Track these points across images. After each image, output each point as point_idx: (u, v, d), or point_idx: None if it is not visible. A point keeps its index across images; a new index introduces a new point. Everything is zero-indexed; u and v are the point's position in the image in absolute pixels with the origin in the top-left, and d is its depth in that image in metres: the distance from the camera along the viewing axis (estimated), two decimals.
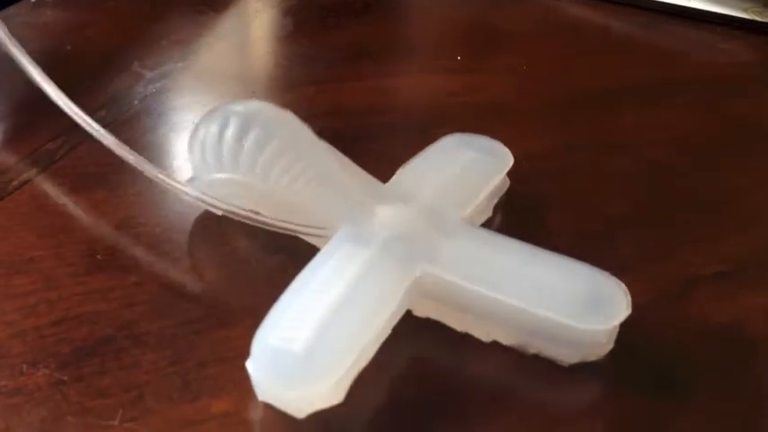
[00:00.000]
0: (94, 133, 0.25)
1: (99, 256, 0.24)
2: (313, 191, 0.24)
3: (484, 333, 0.22)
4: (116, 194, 0.27)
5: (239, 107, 0.25)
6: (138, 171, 0.25)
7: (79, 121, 0.26)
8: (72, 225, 0.26)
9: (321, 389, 0.19)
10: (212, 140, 0.25)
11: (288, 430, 0.20)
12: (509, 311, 0.21)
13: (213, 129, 0.25)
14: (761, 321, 0.24)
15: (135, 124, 0.30)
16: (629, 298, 0.21)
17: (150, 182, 0.25)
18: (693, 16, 0.40)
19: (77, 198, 0.26)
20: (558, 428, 0.21)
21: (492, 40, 0.38)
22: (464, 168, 0.26)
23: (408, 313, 0.22)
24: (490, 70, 0.36)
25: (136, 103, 0.31)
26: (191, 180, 0.25)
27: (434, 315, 0.23)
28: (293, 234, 0.24)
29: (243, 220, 0.24)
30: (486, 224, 0.26)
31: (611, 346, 0.22)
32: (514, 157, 0.26)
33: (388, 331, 0.22)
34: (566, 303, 0.21)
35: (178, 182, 0.25)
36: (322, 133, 0.30)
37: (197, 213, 0.26)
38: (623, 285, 0.22)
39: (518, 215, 0.27)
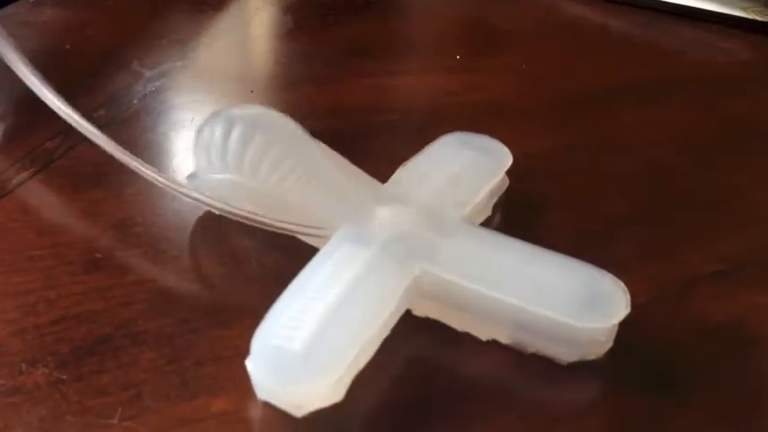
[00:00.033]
0: (91, 136, 0.25)
1: (98, 255, 0.24)
2: (313, 192, 0.24)
3: (483, 332, 0.22)
4: (114, 194, 0.27)
5: (243, 111, 0.26)
6: (135, 171, 0.25)
7: (75, 125, 0.26)
8: (71, 224, 0.26)
9: (320, 387, 0.19)
10: (217, 142, 0.25)
11: (287, 429, 0.20)
12: (508, 310, 0.21)
13: (218, 131, 0.25)
14: (759, 320, 0.24)
15: (134, 123, 0.30)
16: (628, 297, 0.21)
17: (149, 181, 0.25)
18: (692, 15, 0.40)
19: (76, 197, 0.26)
20: (557, 427, 0.21)
21: (491, 39, 0.38)
22: (463, 168, 0.26)
23: (408, 313, 0.23)
24: (490, 69, 0.36)
25: (135, 101, 0.31)
26: (190, 177, 0.25)
27: (434, 314, 0.23)
28: (292, 234, 0.24)
29: (241, 220, 0.24)
30: (486, 223, 0.26)
31: (609, 344, 0.22)
32: (514, 157, 0.26)
33: (388, 330, 0.22)
34: (565, 302, 0.21)
35: (175, 183, 0.25)
36: (321, 132, 0.30)
37: (195, 213, 0.26)
38: (622, 284, 0.22)
39: (517, 214, 0.27)
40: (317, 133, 0.29)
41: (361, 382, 0.20)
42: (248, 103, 0.33)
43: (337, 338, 0.20)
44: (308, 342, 0.20)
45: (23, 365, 0.21)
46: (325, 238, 0.23)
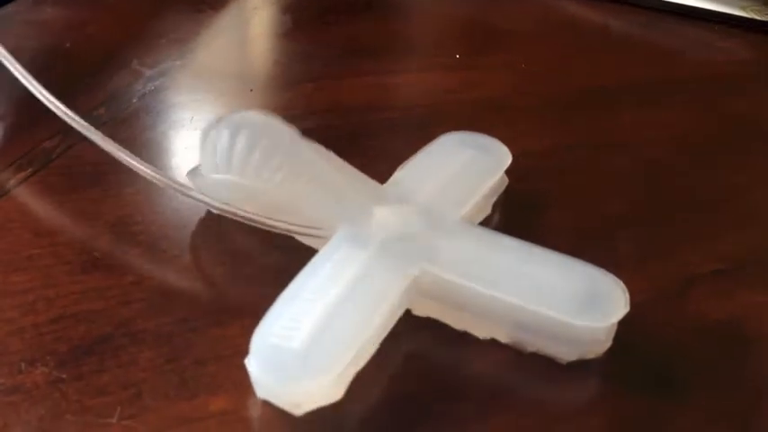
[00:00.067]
0: (90, 136, 0.25)
1: (96, 255, 0.24)
2: (312, 194, 0.24)
3: (482, 331, 0.22)
4: (113, 193, 0.27)
5: (247, 116, 0.26)
6: (134, 170, 0.25)
7: (74, 125, 0.26)
8: (69, 223, 0.26)
9: (319, 385, 0.19)
10: (223, 146, 0.25)
11: (286, 428, 0.20)
12: (507, 309, 0.21)
13: (224, 136, 0.25)
14: (759, 319, 0.24)
15: (134, 122, 0.30)
16: (628, 296, 0.21)
17: (147, 181, 0.25)
18: (692, 14, 0.40)
19: (74, 196, 0.26)
20: (556, 426, 0.21)
21: (491, 38, 0.38)
22: (462, 167, 0.26)
23: (408, 312, 0.23)
24: (489, 68, 0.36)
25: (135, 100, 0.31)
26: (190, 173, 0.25)
27: (433, 314, 0.23)
28: (291, 234, 0.24)
29: (241, 220, 0.24)
30: (485, 222, 0.26)
31: (609, 343, 0.22)
32: (513, 156, 0.26)
33: (388, 330, 0.22)
34: (564, 301, 0.21)
35: (175, 182, 0.25)
36: (320, 130, 0.30)
37: (195, 212, 0.26)
38: (621, 283, 0.22)
39: (517, 213, 0.27)
40: (316, 132, 0.29)
41: (360, 381, 0.20)
42: (248, 102, 0.33)
43: (336, 337, 0.20)
44: (307, 341, 0.20)
45: (22, 364, 0.21)
46: (325, 239, 0.23)
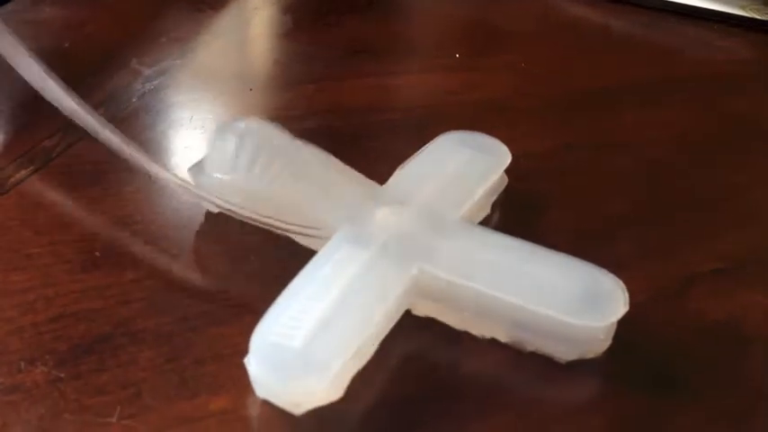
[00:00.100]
0: (99, 131, 0.25)
1: (96, 254, 0.24)
2: (313, 195, 0.24)
3: (482, 331, 0.22)
4: (113, 192, 0.27)
5: (253, 125, 0.26)
6: (134, 169, 0.25)
7: (81, 118, 0.26)
8: (69, 222, 0.26)
9: (319, 383, 0.19)
10: (226, 153, 0.25)
11: (286, 427, 0.20)
12: (507, 309, 0.21)
13: (228, 143, 0.25)
14: (759, 319, 0.24)
15: (133, 121, 0.30)
16: (627, 295, 0.21)
17: (147, 180, 0.25)
18: (692, 14, 0.40)
19: (74, 195, 0.26)
20: (556, 425, 0.21)
21: (491, 38, 0.38)
22: (462, 166, 0.26)
23: (407, 312, 0.23)
24: (490, 69, 0.36)
25: (134, 100, 0.31)
26: (193, 169, 0.25)
27: (433, 314, 0.23)
28: (292, 234, 0.24)
29: (244, 220, 0.24)
30: (485, 222, 0.26)
31: (608, 343, 0.22)
32: (513, 156, 0.26)
33: (387, 330, 0.22)
34: (563, 300, 0.21)
35: (184, 181, 0.25)
36: (321, 131, 0.30)
37: (195, 211, 0.26)
38: (621, 282, 0.22)
39: (517, 213, 0.27)
40: (317, 132, 0.29)
41: (359, 381, 0.20)
42: (248, 102, 0.33)
43: (336, 336, 0.20)
44: (306, 340, 0.20)
45: (22, 364, 0.21)
46: (324, 240, 0.23)
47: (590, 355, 0.22)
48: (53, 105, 0.26)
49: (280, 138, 0.26)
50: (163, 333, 0.22)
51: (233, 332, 0.22)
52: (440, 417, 0.21)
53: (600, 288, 0.22)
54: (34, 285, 0.23)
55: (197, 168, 0.25)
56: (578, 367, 0.22)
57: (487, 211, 0.26)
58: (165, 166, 0.27)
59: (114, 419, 0.20)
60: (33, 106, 0.27)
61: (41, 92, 0.26)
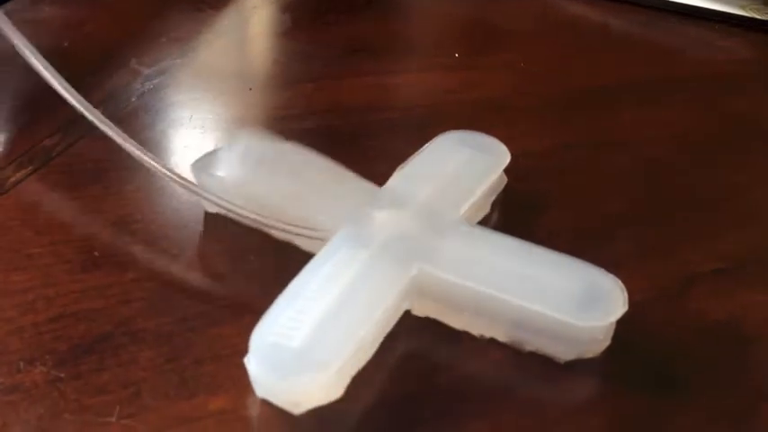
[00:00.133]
0: (100, 125, 0.25)
1: (96, 253, 0.24)
2: (313, 199, 0.24)
3: (481, 330, 0.22)
4: (113, 191, 0.27)
5: (259, 137, 0.27)
6: (135, 168, 0.25)
7: (85, 113, 0.26)
8: (69, 222, 0.26)
9: (318, 383, 0.20)
10: (235, 162, 0.25)
11: (285, 427, 0.20)
12: (506, 309, 0.21)
13: (236, 152, 0.26)
14: (759, 318, 0.24)
15: (132, 121, 0.30)
16: (626, 294, 0.21)
17: (148, 179, 0.25)
18: (692, 13, 0.40)
19: (75, 195, 0.26)
20: (555, 425, 0.21)
21: (490, 37, 0.38)
22: (461, 166, 0.26)
23: (407, 313, 0.23)
24: (488, 68, 0.36)
25: (133, 99, 0.31)
26: (195, 165, 0.25)
27: (433, 314, 0.23)
28: (289, 233, 0.24)
29: (243, 220, 0.24)
30: (484, 221, 0.26)
31: (607, 343, 0.22)
32: (512, 155, 0.26)
33: (387, 330, 0.22)
34: (562, 300, 0.21)
35: (186, 180, 0.25)
36: (320, 130, 0.30)
37: (195, 211, 0.26)
38: (620, 282, 0.22)
39: (516, 212, 0.27)
40: (316, 132, 0.29)
41: (359, 381, 0.20)
42: (247, 101, 0.33)
43: (335, 336, 0.20)
44: (306, 339, 0.20)
45: (22, 364, 0.21)
46: (322, 242, 0.23)
47: (589, 354, 0.22)
48: (53, 105, 0.26)
49: (281, 144, 0.26)
50: (163, 333, 0.22)
51: (232, 332, 0.22)
52: (439, 416, 0.21)
53: (599, 288, 0.22)
54: (34, 285, 0.23)
55: (199, 165, 0.25)
56: (577, 367, 0.22)
57: (487, 210, 0.26)
58: (164, 165, 0.28)
59: (114, 419, 0.20)
60: (33, 106, 0.27)
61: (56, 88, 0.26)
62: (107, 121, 0.25)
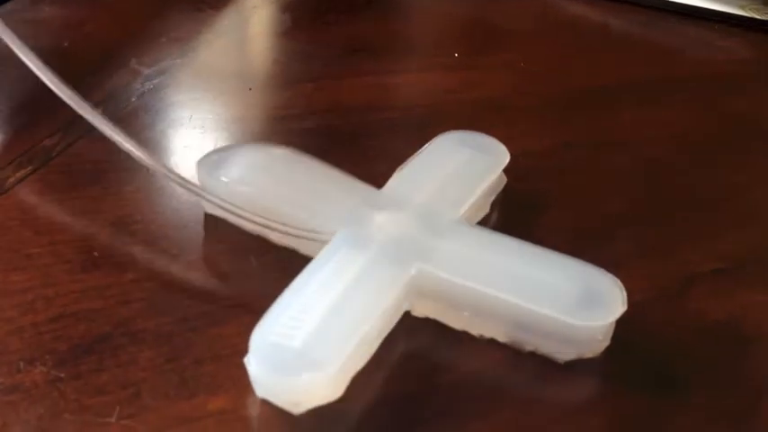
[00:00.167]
0: (99, 125, 0.25)
1: (96, 253, 0.24)
2: (312, 201, 0.24)
3: (481, 331, 0.22)
4: (113, 191, 0.27)
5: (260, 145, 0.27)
6: (134, 168, 0.25)
7: (84, 113, 0.26)
8: (69, 222, 0.26)
9: (318, 382, 0.20)
10: (237, 163, 0.25)
11: (285, 426, 0.20)
12: (505, 308, 0.21)
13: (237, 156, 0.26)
14: (759, 318, 0.24)
15: (132, 121, 0.30)
16: (625, 294, 0.21)
17: (147, 179, 0.25)
18: (692, 14, 0.40)
19: (74, 195, 0.26)
20: (555, 425, 0.21)
21: (490, 37, 0.38)
22: (460, 166, 0.26)
23: (406, 313, 0.23)
24: (488, 67, 0.36)
25: (133, 99, 0.31)
26: (200, 162, 0.25)
27: (432, 314, 0.23)
28: (289, 235, 0.24)
29: (243, 224, 0.24)
30: (484, 221, 0.26)
31: (607, 343, 0.22)
32: (512, 155, 0.26)
33: (387, 330, 0.22)
34: (562, 300, 0.21)
35: (183, 178, 0.25)
36: (320, 130, 0.30)
37: (195, 211, 0.26)
38: (619, 282, 0.22)
39: (516, 212, 0.27)
40: (316, 131, 0.29)
41: (359, 381, 0.20)
42: (247, 101, 0.33)
43: (335, 336, 0.20)
44: (306, 339, 0.20)
45: (21, 364, 0.21)
46: (323, 244, 0.23)
47: (589, 354, 0.22)
48: (52, 105, 0.26)
49: (280, 149, 0.26)
50: (162, 333, 0.22)
51: (232, 332, 0.22)
52: (439, 416, 0.21)
53: (598, 288, 0.22)
54: (34, 285, 0.23)
55: (203, 165, 0.25)
56: (577, 367, 0.22)
57: (486, 210, 0.26)
58: (164, 165, 0.27)
59: (113, 419, 0.20)
60: (33, 106, 0.27)
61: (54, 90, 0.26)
62: (106, 121, 0.25)
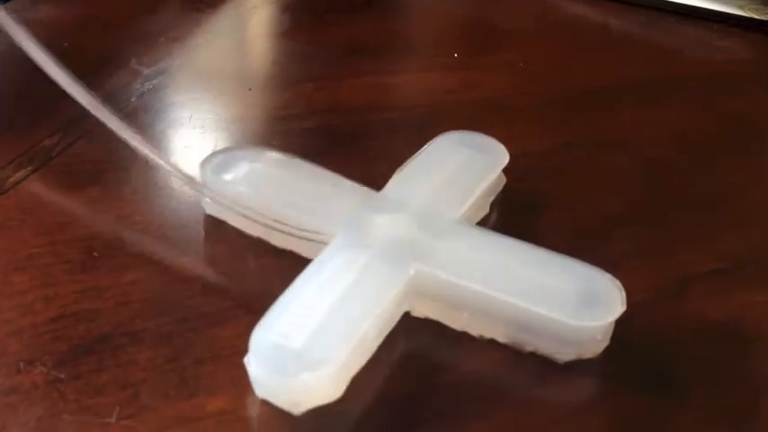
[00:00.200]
0: (107, 121, 0.25)
1: (95, 254, 0.24)
2: (312, 205, 0.24)
3: (481, 331, 0.22)
4: (112, 192, 0.27)
5: (265, 152, 0.27)
6: (134, 168, 0.25)
7: (91, 109, 0.25)
8: (68, 222, 0.25)
9: (318, 382, 0.20)
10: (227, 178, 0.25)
11: (285, 427, 0.20)
12: (504, 309, 0.22)
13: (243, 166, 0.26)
14: (757, 318, 0.24)
15: (132, 121, 0.30)
16: (624, 295, 0.22)
17: (147, 179, 0.25)
18: (691, 14, 0.40)
19: (74, 195, 0.26)
20: (554, 425, 0.21)
21: (490, 37, 0.38)
22: (460, 166, 0.26)
23: (406, 314, 0.23)
24: (488, 67, 0.36)
25: (133, 99, 0.31)
26: (204, 162, 0.25)
27: (432, 315, 0.23)
28: (290, 235, 0.24)
29: (244, 223, 0.24)
30: (483, 221, 0.26)
31: (606, 343, 0.22)
32: (512, 155, 0.26)
33: (387, 331, 0.22)
34: (561, 301, 0.21)
35: (186, 174, 0.25)
36: (320, 130, 0.30)
37: (194, 211, 0.26)
38: (618, 282, 0.22)
39: (515, 212, 0.27)
40: (315, 132, 0.29)
41: (359, 381, 0.21)
42: (247, 101, 0.33)
43: (335, 336, 0.20)
44: (305, 339, 0.20)
45: (21, 364, 0.21)
46: (323, 244, 0.23)
47: (588, 355, 0.22)
48: (53, 105, 0.26)
49: (278, 155, 0.26)
50: (162, 333, 0.22)
51: (232, 333, 0.22)
52: (439, 417, 0.21)
53: (597, 288, 0.22)
54: (34, 286, 0.23)
55: (204, 166, 0.25)
56: (576, 367, 0.22)
57: (486, 210, 0.26)
58: (175, 166, 0.28)
59: (113, 420, 0.20)
60: (33, 106, 0.26)
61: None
62: (115, 117, 0.25)
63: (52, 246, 0.24)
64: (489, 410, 0.21)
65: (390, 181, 0.25)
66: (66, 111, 0.25)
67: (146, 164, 0.25)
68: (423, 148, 0.27)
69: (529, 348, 0.22)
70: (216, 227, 0.25)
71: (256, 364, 0.20)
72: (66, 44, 0.34)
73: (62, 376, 0.21)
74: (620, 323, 0.21)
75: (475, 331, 0.22)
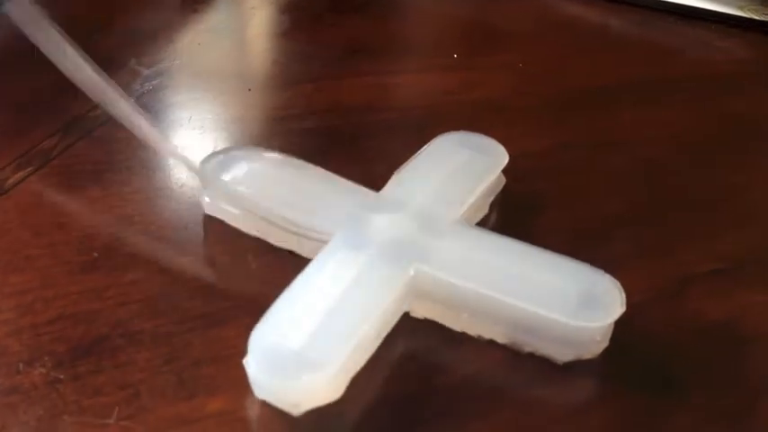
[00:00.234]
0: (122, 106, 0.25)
1: (95, 255, 0.24)
2: (312, 204, 0.24)
3: (480, 332, 0.22)
4: (112, 193, 0.27)
5: (265, 153, 0.27)
6: (134, 169, 0.25)
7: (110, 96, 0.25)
8: (68, 223, 0.25)
9: (317, 382, 0.20)
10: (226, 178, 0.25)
11: (284, 427, 0.20)
12: (504, 310, 0.22)
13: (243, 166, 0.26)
14: (757, 318, 0.24)
15: None
16: (624, 295, 0.22)
17: (146, 180, 0.25)
18: (690, 14, 0.40)
19: (73, 196, 0.26)
20: (554, 426, 0.21)
21: (489, 38, 0.38)
22: (459, 167, 0.26)
23: (406, 314, 0.23)
24: (487, 68, 0.36)
25: (133, 100, 0.31)
26: (204, 161, 0.25)
27: (431, 315, 0.23)
28: (290, 232, 0.24)
29: (243, 223, 0.24)
30: (483, 222, 0.26)
31: (605, 343, 0.22)
32: (511, 156, 0.26)
33: (386, 331, 0.22)
34: (560, 301, 0.21)
35: (191, 161, 0.25)
36: (319, 130, 0.30)
37: (194, 212, 0.26)
38: (618, 283, 0.22)
39: (514, 213, 0.27)
40: (315, 132, 0.29)
41: (359, 382, 0.21)
42: (247, 102, 0.33)
43: (334, 337, 0.20)
44: (305, 340, 0.20)
45: (21, 365, 0.21)
46: (322, 244, 0.23)
47: (587, 355, 0.22)
48: (52, 106, 0.26)
49: (278, 156, 0.26)
50: (161, 334, 0.22)
51: (231, 333, 0.22)
52: (439, 417, 0.21)
53: (597, 289, 0.22)
54: (33, 287, 0.23)
55: (204, 166, 0.25)
56: (576, 368, 0.22)
57: (485, 211, 0.26)
58: (163, 165, 0.28)
59: (112, 420, 0.20)
60: (33, 106, 0.26)
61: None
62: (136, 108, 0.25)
63: (52, 247, 0.24)
64: (489, 411, 0.21)
65: (390, 181, 0.25)
66: (67, 111, 0.25)
67: (146, 164, 0.26)
68: (422, 149, 0.27)
69: (528, 349, 0.22)
70: (215, 227, 0.25)
71: (256, 365, 0.20)
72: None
73: (61, 377, 0.21)
74: (620, 323, 0.21)
75: (474, 332, 0.22)
